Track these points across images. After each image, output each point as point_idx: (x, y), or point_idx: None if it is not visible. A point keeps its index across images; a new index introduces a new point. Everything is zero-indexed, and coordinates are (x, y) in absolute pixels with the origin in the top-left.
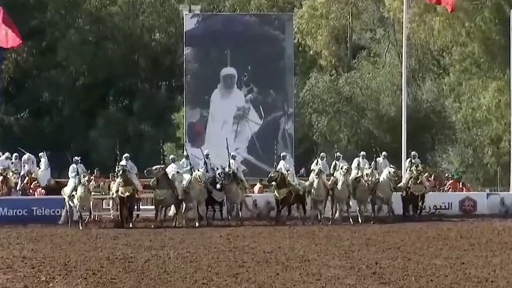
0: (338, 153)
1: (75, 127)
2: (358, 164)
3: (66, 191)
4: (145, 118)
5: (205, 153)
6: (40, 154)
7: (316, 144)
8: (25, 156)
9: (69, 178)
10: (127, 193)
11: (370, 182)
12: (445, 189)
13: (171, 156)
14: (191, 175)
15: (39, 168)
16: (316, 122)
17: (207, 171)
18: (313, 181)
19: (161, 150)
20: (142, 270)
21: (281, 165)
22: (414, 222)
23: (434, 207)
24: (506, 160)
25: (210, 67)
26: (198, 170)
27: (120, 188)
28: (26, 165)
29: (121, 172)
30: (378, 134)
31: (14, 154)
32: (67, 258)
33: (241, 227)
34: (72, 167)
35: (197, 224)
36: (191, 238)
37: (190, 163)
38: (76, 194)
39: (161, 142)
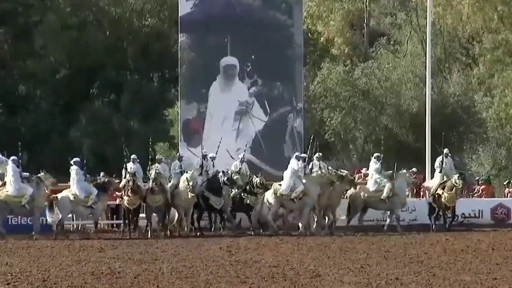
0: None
1: (54, 124)
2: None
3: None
4: (133, 114)
5: (203, 152)
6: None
7: (329, 143)
8: None
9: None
10: (133, 206)
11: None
12: (475, 195)
13: (157, 156)
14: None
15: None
16: (329, 119)
17: (200, 174)
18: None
19: (149, 150)
20: (131, 287)
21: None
22: (439, 233)
23: (463, 215)
24: None
25: (208, 56)
26: (187, 173)
27: (126, 198)
28: None
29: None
30: (399, 132)
31: None
32: (47, 273)
33: (242, 237)
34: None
35: (183, 233)
36: (187, 250)
37: (181, 166)
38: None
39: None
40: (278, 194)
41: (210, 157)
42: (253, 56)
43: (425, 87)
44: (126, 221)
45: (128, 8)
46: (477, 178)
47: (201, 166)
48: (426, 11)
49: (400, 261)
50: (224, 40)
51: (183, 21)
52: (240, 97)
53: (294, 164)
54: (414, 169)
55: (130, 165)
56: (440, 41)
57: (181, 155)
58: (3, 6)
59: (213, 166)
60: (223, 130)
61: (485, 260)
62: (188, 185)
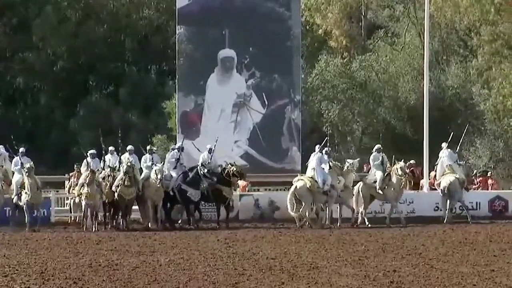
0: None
1: (53, 116)
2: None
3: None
4: (132, 107)
5: (180, 145)
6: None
7: (326, 135)
8: None
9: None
10: (129, 196)
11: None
12: (474, 187)
13: (149, 147)
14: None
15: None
16: (327, 111)
17: (175, 168)
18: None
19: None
20: (129, 279)
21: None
22: (437, 225)
23: (460, 208)
24: None
25: (206, 48)
26: (156, 165)
27: (123, 188)
28: None
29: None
30: (397, 124)
31: None
32: (44, 265)
33: (240, 230)
34: (85, 161)
35: (150, 226)
36: (184, 243)
37: (153, 158)
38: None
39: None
40: (312, 188)
41: (207, 150)
42: (251, 49)
43: (423, 80)
44: (119, 214)
45: (126, 1)
46: (475, 171)
47: (177, 159)
48: (424, 4)
49: (398, 253)
50: (222, 33)
51: (181, 14)
52: (238, 90)
53: (322, 158)
54: (412, 161)
55: (126, 156)
56: (438, 34)
57: (152, 148)
58: None
59: (210, 159)
60: (221, 122)
61: (482, 252)
62: (157, 177)
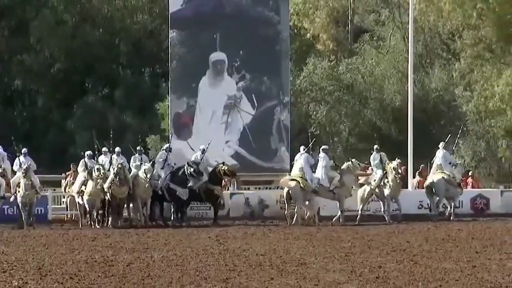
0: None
1: (50, 117)
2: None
3: (74, 187)
4: (127, 108)
5: (168, 146)
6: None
7: (314, 136)
8: None
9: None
10: (122, 196)
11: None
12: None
13: (138, 148)
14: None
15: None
16: (314, 112)
17: (162, 168)
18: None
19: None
20: (123, 274)
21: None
22: (421, 222)
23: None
24: None
25: (198, 52)
26: (145, 165)
27: (115, 187)
28: None
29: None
30: (382, 125)
31: None
32: (41, 261)
33: (231, 227)
34: (83, 161)
35: (140, 223)
36: (177, 240)
37: (141, 159)
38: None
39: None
40: (305, 188)
41: (200, 150)
42: (241, 52)
43: (407, 82)
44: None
45: (121, 5)
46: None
47: (165, 160)
48: (409, 8)
49: (383, 249)
50: (213, 36)
51: (174, 18)
52: (229, 91)
53: (309, 158)
54: (398, 160)
55: (114, 157)
56: (422, 37)
57: (141, 149)
58: (0, 1)
59: (202, 159)
60: (212, 123)
61: (465, 248)
62: (146, 177)
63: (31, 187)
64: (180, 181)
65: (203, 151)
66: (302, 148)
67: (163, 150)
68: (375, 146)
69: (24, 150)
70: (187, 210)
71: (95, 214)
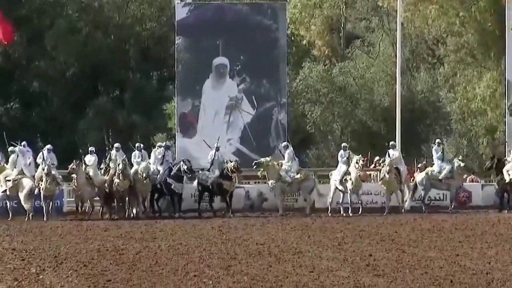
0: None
1: (64, 118)
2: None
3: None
4: (135, 109)
5: (166, 143)
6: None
7: (309, 134)
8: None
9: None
10: (124, 188)
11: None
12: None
13: (137, 144)
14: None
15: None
16: (310, 112)
17: (161, 163)
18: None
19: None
20: (133, 262)
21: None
22: (408, 214)
23: (429, 199)
24: (501, 150)
25: (202, 56)
26: (144, 162)
27: (117, 180)
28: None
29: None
30: (372, 124)
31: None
32: (57, 250)
33: (232, 219)
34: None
35: (139, 216)
36: (183, 230)
37: (142, 155)
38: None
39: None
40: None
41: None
42: (242, 57)
43: (396, 84)
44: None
45: (130, 14)
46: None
47: (163, 156)
48: (397, 16)
49: (373, 239)
50: (216, 42)
51: (180, 25)
52: (231, 93)
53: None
54: (377, 157)
55: (113, 153)
56: (409, 43)
57: (140, 146)
58: (18, 12)
59: (215, 156)
60: (215, 122)
61: (448, 238)
62: (142, 175)
63: (52, 180)
64: (175, 176)
65: (218, 149)
66: (282, 144)
67: (161, 147)
68: (343, 144)
69: (49, 146)
70: (213, 202)
71: (87, 206)
